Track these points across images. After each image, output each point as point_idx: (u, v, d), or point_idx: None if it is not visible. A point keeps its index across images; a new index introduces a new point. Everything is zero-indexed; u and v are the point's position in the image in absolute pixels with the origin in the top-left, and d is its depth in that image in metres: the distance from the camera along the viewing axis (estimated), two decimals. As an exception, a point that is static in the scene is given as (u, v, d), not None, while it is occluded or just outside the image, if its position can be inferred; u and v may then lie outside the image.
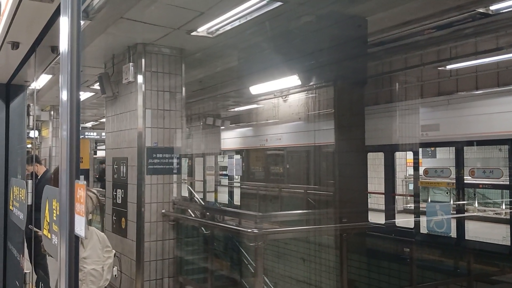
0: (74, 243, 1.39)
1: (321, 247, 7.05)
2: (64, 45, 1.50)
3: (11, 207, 3.41)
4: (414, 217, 8.70)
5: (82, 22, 4.85)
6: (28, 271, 3.03)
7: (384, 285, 6.26)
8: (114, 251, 3.46)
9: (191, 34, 5.38)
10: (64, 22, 1.52)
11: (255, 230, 4.52)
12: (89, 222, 3.24)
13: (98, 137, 14.93)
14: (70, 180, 1.40)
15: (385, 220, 8.67)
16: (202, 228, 5.85)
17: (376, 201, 10.55)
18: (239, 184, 12.98)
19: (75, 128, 1.41)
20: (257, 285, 4.50)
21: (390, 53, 7.39)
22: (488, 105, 7.71)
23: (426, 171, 13.06)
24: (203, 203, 8.34)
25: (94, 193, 3.40)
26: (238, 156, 16.28)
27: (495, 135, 7.65)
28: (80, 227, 1.39)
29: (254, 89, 8.55)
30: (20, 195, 2.97)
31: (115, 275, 3.60)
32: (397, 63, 8.35)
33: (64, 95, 1.46)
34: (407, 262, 5.83)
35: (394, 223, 8.69)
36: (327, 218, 6.62)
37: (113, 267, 3.54)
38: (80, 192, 1.41)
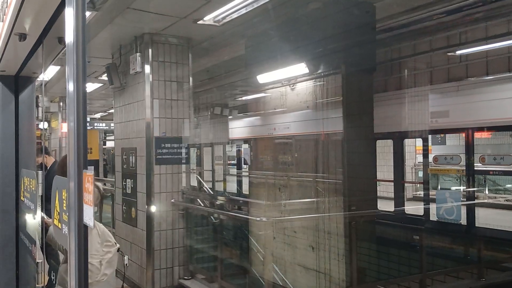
0: (83, 232, 1.40)
1: (330, 235, 7.05)
2: (69, 36, 1.50)
3: (22, 197, 3.45)
4: (424, 205, 8.67)
5: (88, 13, 4.84)
6: (40, 261, 3.06)
7: (394, 272, 6.27)
8: (117, 246, 3.41)
9: (198, 23, 5.36)
10: (69, 13, 1.51)
11: (264, 219, 4.54)
12: None
13: (107, 127, 15.03)
14: (78, 170, 1.41)
15: (395, 207, 8.66)
16: (211, 217, 5.89)
17: (385, 189, 10.53)
18: (247, 173, 13.01)
19: (82, 118, 1.41)
20: (266, 272, 4.53)
21: (399, 39, 7.32)
22: (499, 90, 7.63)
23: (435, 158, 12.99)
24: (212, 193, 8.38)
25: (96, 185, 3.38)
26: (246, 146, 16.29)
27: (506, 121, 7.58)
28: (88, 217, 1.40)
29: (262, 78, 8.52)
30: (31, 186, 3.00)
31: (126, 264, 3.63)
32: (406, 49, 8.26)
33: (70, 87, 1.46)
34: (417, 249, 5.82)
35: (403, 211, 8.68)
36: (335, 206, 6.62)
37: (124, 256, 3.56)
38: (88, 182, 1.42)
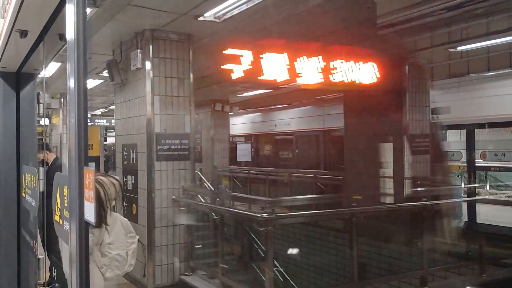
0: (84, 229, 1.41)
1: (330, 231, 7.06)
2: (70, 33, 1.50)
3: (23, 194, 3.46)
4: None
5: (89, 10, 4.82)
6: (42, 257, 3.07)
7: (395, 268, 6.28)
8: (137, 237, 3.48)
9: (198, 19, 5.35)
10: (69, 10, 1.52)
11: (265, 215, 4.54)
12: (112, 209, 3.25)
13: (108, 124, 15.04)
14: (79, 166, 1.41)
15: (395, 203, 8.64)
16: (212, 213, 5.90)
17: (385, 185, 10.50)
18: (248, 169, 13.00)
19: (82, 115, 1.42)
20: (267, 269, 4.54)
21: (400, 35, 7.28)
22: (499, 86, 7.62)
23: (436, 155, 12.90)
24: (213, 189, 8.38)
25: (117, 180, 3.40)
26: (247, 142, 16.27)
27: (507, 117, 7.57)
28: (89, 213, 1.41)
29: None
30: (32, 182, 3.00)
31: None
32: (407, 45, 8.23)
33: (71, 83, 1.47)
34: (418, 245, 5.82)
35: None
36: (336, 202, 6.62)
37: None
38: (89, 178, 1.42)
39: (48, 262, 3.42)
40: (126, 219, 3.48)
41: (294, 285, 6.62)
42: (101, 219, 2.98)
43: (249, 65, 4.26)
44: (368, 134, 7.13)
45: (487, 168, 11.20)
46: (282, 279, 6.24)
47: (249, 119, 16.75)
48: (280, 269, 6.18)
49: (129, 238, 3.32)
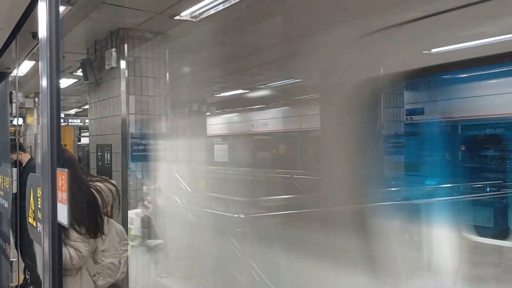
0: (57, 231, 1.39)
1: (307, 231, 7.09)
2: (42, 31, 1.48)
3: (-6, 195, 3.38)
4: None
5: (63, 8, 4.72)
6: (15, 259, 3.02)
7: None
8: (131, 244, 3.40)
9: (175, 18, 5.33)
10: (42, 8, 1.49)
11: (242, 215, 4.56)
12: (106, 215, 3.14)
13: (82, 124, 14.81)
14: (51, 167, 1.39)
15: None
16: (189, 214, 5.87)
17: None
18: (225, 170, 12.97)
19: (55, 115, 1.40)
20: (244, 269, 4.56)
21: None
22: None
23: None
24: (189, 189, 8.34)
25: (114, 184, 3.29)
26: (224, 142, 16.25)
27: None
28: (63, 215, 1.39)
29: (241, 75, 8.52)
30: (4, 183, 2.94)
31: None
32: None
33: (44, 82, 1.45)
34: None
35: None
36: (313, 202, 6.68)
37: None
38: (62, 179, 1.40)
39: (22, 265, 3.36)
40: (121, 227, 3.38)
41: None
42: (97, 228, 2.86)
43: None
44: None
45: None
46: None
47: (226, 119, 16.73)
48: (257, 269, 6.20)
49: (122, 246, 3.23)
